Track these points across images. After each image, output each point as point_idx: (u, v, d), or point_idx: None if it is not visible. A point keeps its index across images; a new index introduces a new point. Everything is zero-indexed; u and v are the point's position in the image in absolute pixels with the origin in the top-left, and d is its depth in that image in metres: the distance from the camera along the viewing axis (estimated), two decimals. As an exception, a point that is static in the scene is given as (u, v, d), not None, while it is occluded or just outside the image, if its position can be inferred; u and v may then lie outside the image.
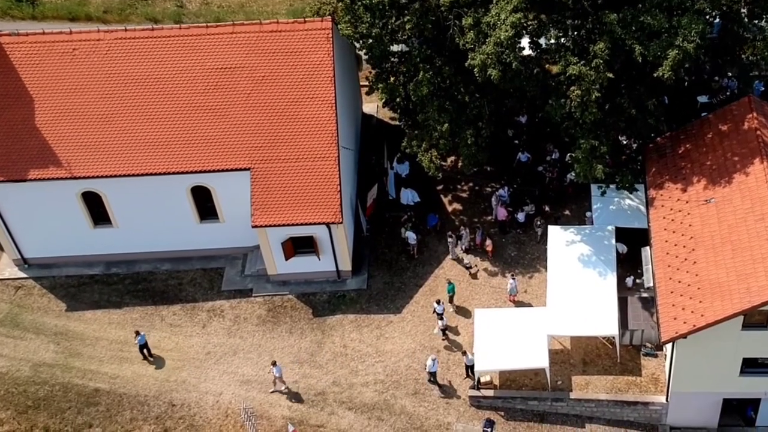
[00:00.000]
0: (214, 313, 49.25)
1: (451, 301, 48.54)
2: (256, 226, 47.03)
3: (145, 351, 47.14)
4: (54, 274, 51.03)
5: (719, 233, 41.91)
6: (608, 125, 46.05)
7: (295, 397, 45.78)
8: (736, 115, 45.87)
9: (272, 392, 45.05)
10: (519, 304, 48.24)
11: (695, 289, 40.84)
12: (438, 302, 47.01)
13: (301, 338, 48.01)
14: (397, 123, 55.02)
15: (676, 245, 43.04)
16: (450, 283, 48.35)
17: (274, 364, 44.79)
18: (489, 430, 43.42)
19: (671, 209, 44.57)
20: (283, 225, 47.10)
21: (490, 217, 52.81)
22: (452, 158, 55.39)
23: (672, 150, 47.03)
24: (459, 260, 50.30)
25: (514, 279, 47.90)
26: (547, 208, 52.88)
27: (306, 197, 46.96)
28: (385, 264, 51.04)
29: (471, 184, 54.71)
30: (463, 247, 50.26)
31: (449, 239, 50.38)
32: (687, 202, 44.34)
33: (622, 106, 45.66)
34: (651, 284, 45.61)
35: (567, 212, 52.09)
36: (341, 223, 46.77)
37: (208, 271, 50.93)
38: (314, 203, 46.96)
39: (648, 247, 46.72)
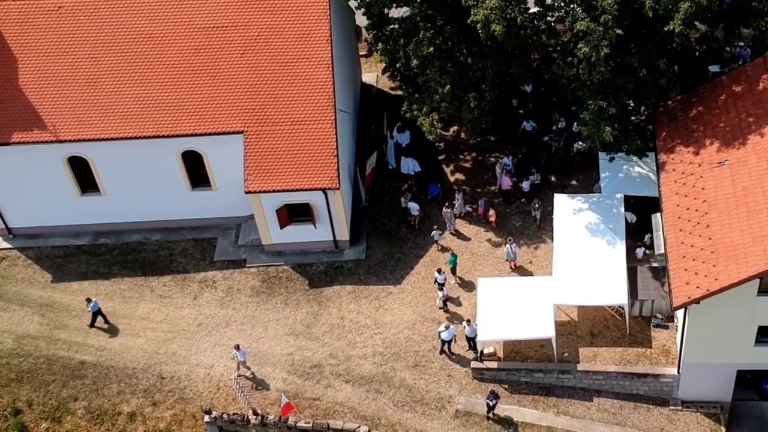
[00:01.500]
0: (206, 284, 48.11)
1: (453, 272, 47.29)
2: (249, 192, 45.94)
3: (99, 318, 45.79)
4: (40, 245, 49.97)
5: (733, 195, 40.77)
6: (617, 86, 44.83)
7: (289, 369, 44.44)
8: (751, 75, 44.74)
9: (238, 376, 43.70)
10: (522, 272, 46.78)
11: (708, 253, 39.66)
12: (439, 271, 45.81)
13: (297, 310, 46.86)
14: (397, 93, 53.73)
15: (688, 209, 41.89)
16: (452, 254, 47.05)
17: (237, 347, 43.61)
18: (492, 402, 41.66)
19: (683, 173, 43.42)
20: (278, 191, 45.99)
21: (493, 187, 51.69)
22: (455, 128, 54.06)
23: (683, 113, 45.88)
24: (457, 233, 48.95)
25: (510, 244, 46.62)
26: (553, 179, 51.48)
27: (301, 162, 45.84)
28: (385, 234, 49.93)
29: (474, 154, 53.56)
30: (457, 213, 48.88)
31: (445, 210, 49.03)
32: (699, 165, 43.20)
33: (632, 66, 44.48)
34: (662, 251, 44.30)
35: (574, 182, 50.91)
36: (338, 188, 45.63)
37: (200, 241, 49.84)
38: (310, 168, 45.85)
39: (658, 214, 45.55)
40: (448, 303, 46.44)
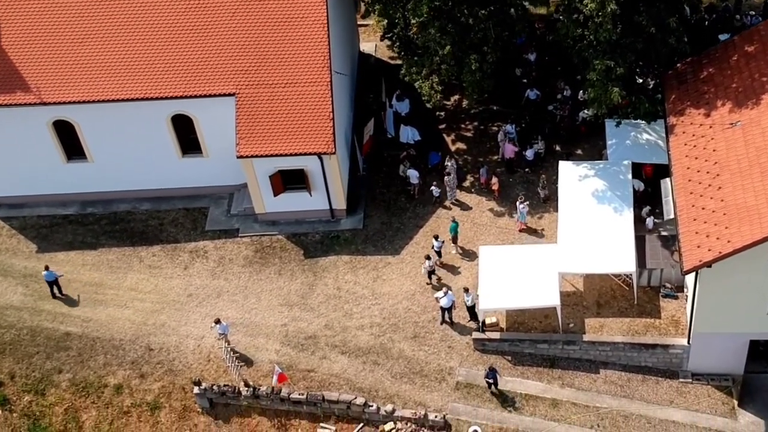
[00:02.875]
0: (197, 254, 46.92)
1: (454, 241, 46.03)
2: (241, 157, 44.71)
3: (54, 289, 44.66)
4: (24, 215, 48.90)
5: (746, 156, 39.63)
6: (624, 46, 43.51)
7: (282, 341, 43.23)
8: (764, 35, 43.71)
9: (229, 347, 42.61)
10: (530, 234, 46.00)
11: (721, 215, 38.52)
12: (436, 237, 44.46)
13: (291, 280, 45.63)
14: (397, 63, 52.52)
15: (698, 172, 40.75)
16: (453, 221, 45.76)
17: (217, 321, 42.29)
18: (491, 380, 40.44)
19: (693, 135, 42.29)
20: (271, 155, 44.88)
21: (496, 157, 50.50)
22: (456, 97, 52.78)
23: (693, 75, 44.76)
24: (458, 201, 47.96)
25: (522, 203, 45.36)
26: (557, 148, 50.31)
27: (296, 125, 44.73)
28: (383, 204, 48.75)
29: (476, 123, 52.40)
30: (451, 184, 47.98)
31: (446, 176, 47.81)
32: (710, 127, 42.08)
33: (640, 24, 43.17)
34: (671, 216, 43.05)
35: (579, 152, 49.79)
36: (334, 153, 44.43)
37: (191, 210, 48.74)
38: (305, 132, 44.71)
39: (667, 179, 44.34)
40: (433, 275, 44.92)
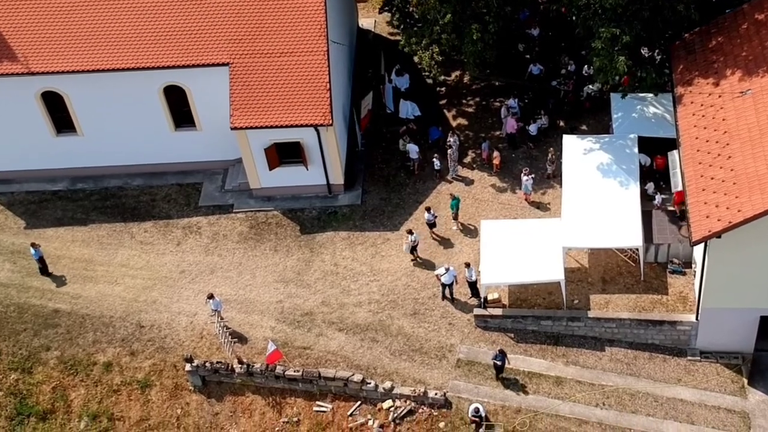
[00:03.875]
0: (190, 230, 46.04)
1: (455, 217, 45.03)
2: (235, 128, 43.75)
3: (41, 265, 43.90)
4: (13, 190, 48.01)
5: (757, 125, 38.68)
6: (631, 14, 42.48)
7: (278, 318, 42.25)
8: (775, 3, 42.35)
9: (222, 323, 41.68)
10: (536, 207, 45.14)
11: (730, 185, 37.57)
12: (428, 210, 43.50)
13: (287, 256, 44.68)
14: (396, 39, 51.72)
15: (707, 141, 39.76)
16: (454, 197, 44.78)
17: (210, 296, 41.27)
18: (500, 362, 39.80)
19: (701, 105, 41.32)
20: (266, 127, 43.89)
21: (498, 132, 49.45)
22: (457, 72, 51.79)
23: (702, 45, 43.76)
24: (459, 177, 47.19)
25: (527, 175, 44.37)
26: (561, 123, 49.37)
27: (291, 96, 43.91)
28: (382, 180, 47.81)
29: (478, 99, 51.49)
30: (439, 165, 47.27)
31: (449, 149, 46.85)
32: (719, 96, 41.11)
33: (647, -10, 42.13)
34: (679, 188, 42.09)
35: (584, 127, 48.90)
36: (331, 125, 43.46)
37: (184, 186, 47.83)
38: (301, 102, 43.82)
39: (675, 151, 43.39)
40: (415, 251, 43.78)
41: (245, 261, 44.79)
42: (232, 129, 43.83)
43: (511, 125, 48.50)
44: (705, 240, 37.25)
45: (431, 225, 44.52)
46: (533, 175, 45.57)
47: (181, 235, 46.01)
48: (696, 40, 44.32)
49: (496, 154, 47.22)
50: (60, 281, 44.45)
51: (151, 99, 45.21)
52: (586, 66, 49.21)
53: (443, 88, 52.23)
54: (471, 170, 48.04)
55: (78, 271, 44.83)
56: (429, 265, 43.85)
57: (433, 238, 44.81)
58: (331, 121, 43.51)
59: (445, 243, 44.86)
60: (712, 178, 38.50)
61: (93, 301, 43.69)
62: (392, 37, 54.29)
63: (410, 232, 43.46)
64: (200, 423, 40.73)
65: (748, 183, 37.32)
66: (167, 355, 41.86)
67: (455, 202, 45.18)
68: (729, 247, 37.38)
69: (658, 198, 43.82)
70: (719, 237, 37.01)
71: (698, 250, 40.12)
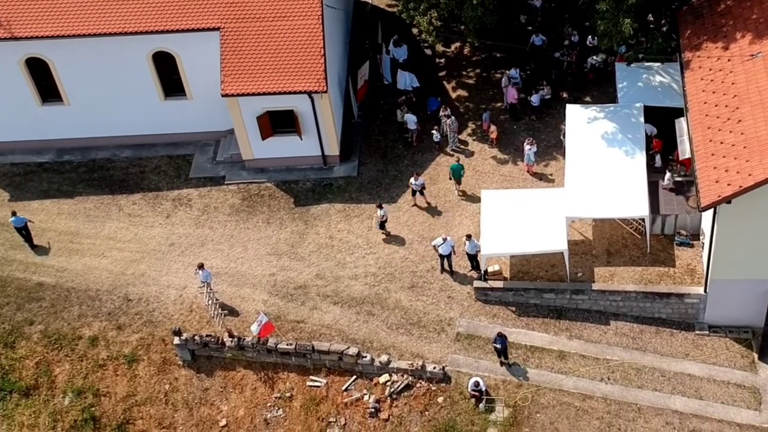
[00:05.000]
0: (180, 202, 44.88)
1: (458, 182, 44.51)
2: (226, 95, 42.60)
3: (23, 233, 42.81)
4: (-3, 162, 46.53)
5: (768, 88, 37.36)
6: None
7: (270, 291, 41.09)
8: (786, -36, 41.21)
9: (212, 295, 40.56)
10: (538, 179, 43.81)
11: (741, 149, 36.50)
12: (416, 176, 42.45)
13: (281, 229, 43.54)
14: (394, 10, 50.73)
15: (716, 106, 38.71)
16: (456, 161, 43.82)
17: (200, 267, 40.08)
18: (500, 346, 38.55)
19: (710, 69, 40.25)
20: (258, 94, 42.71)
21: (500, 104, 48.18)
22: (457, 44, 50.70)
23: (710, 9, 42.73)
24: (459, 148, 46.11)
25: (531, 145, 43.21)
26: (564, 95, 48.26)
27: (284, 61, 42.86)
28: (379, 151, 46.69)
29: (478, 70, 50.43)
30: (438, 137, 46.20)
31: (448, 120, 45.69)
32: (729, 60, 40.01)
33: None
34: (687, 156, 40.97)
35: (588, 99, 47.77)
36: (325, 92, 42.24)
37: (174, 158, 46.76)
38: (294, 68, 42.80)
39: (682, 119, 42.26)
40: (386, 226, 42.84)
41: (237, 233, 43.67)
42: (223, 96, 42.73)
43: (511, 95, 47.41)
44: (714, 206, 36.19)
45: (419, 191, 43.28)
46: (535, 145, 44.15)
47: (171, 207, 44.90)
48: (704, 5, 43.33)
49: (493, 128, 45.99)
50: (45, 254, 43.32)
51: (140, 66, 44.14)
52: (589, 37, 48.18)
53: (443, 60, 51.13)
54: (471, 142, 46.75)
55: (63, 244, 43.73)
56: (429, 239, 42.46)
57: (415, 205, 43.32)
58: (325, 88, 42.38)
59: (444, 214, 43.79)
60: (721, 143, 37.44)
61: (79, 275, 42.55)
62: (390, 9, 52.94)
63: (380, 206, 42.34)
64: (189, 399, 39.59)
65: (759, 146, 36.26)
66: (155, 329, 40.74)
67: (457, 167, 43.75)
68: (739, 213, 36.32)
69: (668, 177, 42.32)
70: (729, 203, 35.95)
71: (706, 220, 39.01)
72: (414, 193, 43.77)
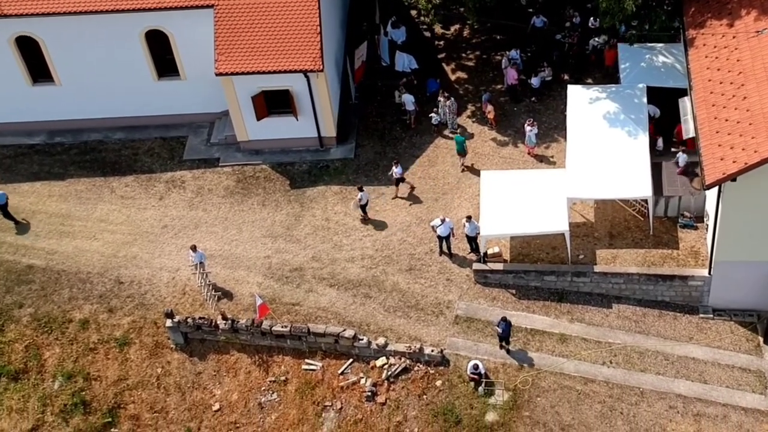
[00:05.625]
0: (174, 184, 44.25)
1: (463, 155, 44.06)
2: (220, 74, 41.99)
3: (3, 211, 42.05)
4: (-13, 144, 45.86)
5: (774, 64, 36.71)
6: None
7: (265, 273, 40.41)
8: (792, -61, 40.50)
9: (205, 277, 39.74)
10: (535, 163, 42.89)
11: (746, 126, 35.91)
12: (396, 163, 41.71)
13: (276, 211, 42.88)
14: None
15: (721, 83, 38.05)
16: (459, 135, 43.01)
17: (194, 248, 39.44)
18: (503, 331, 37.75)
19: (715, 47, 39.59)
20: (253, 73, 42.02)
21: (500, 86, 47.51)
22: (456, 26, 49.99)
23: (715, -14, 41.75)
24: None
25: (531, 126, 42.51)
26: (566, 77, 47.53)
27: (280, 39, 42.30)
28: (377, 133, 46.03)
29: (478, 53, 49.81)
30: (437, 120, 45.47)
31: (447, 102, 45.01)
32: (734, 37, 39.42)
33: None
34: (691, 135, 40.29)
35: (589, 80, 47.05)
36: (321, 71, 41.52)
37: (168, 140, 46.16)
38: (289, 47, 42.21)
39: (685, 98, 41.57)
40: (366, 209, 42.05)
41: (231, 216, 43.01)
42: (216, 75, 42.11)
43: (512, 76, 46.76)
44: (719, 183, 35.56)
45: (398, 180, 42.54)
46: (536, 126, 43.48)
47: (164, 189, 44.24)
48: (708, -18, 42.43)
49: (490, 108, 45.30)
50: (35, 236, 42.69)
51: (132, 45, 43.57)
52: (591, 18, 47.44)
53: (442, 42, 50.46)
54: (471, 124, 46.12)
55: (54, 227, 43.10)
56: (428, 221, 41.79)
57: (398, 197, 42.86)
58: (321, 67, 41.72)
59: (443, 196, 43.12)
60: (726, 120, 36.76)
61: (69, 257, 41.88)
62: (387, -9, 52.33)
63: (360, 188, 41.68)
64: (182, 382, 38.88)
65: (765, 123, 35.72)
66: (147, 311, 40.05)
67: (461, 139, 43.33)
68: (744, 192, 35.68)
69: (683, 158, 41.51)
70: (734, 180, 35.32)
71: (711, 201, 38.42)
72: (397, 183, 42.76)
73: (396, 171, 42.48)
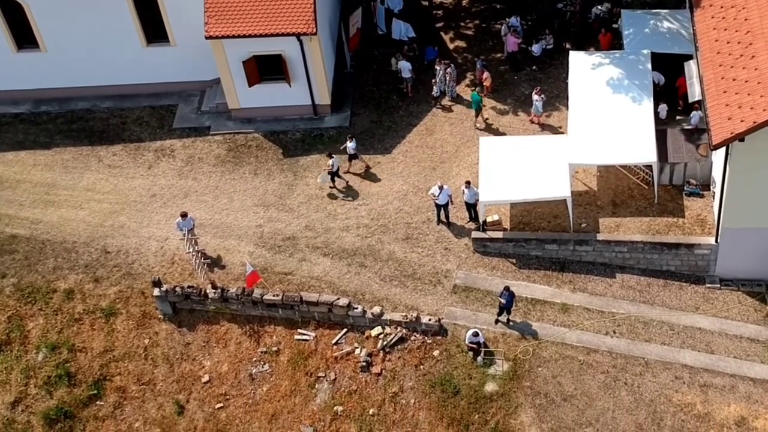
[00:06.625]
0: (163, 153, 43.26)
1: (478, 113, 43.37)
2: (210, 38, 40.93)
3: None
4: (-31, 113, 44.86)
5: (784, 22, 35.66)
6: None
7: (257, 242, 39.42)
8: None
9: (193, 244, 38.56)
10: (541, 131, 42.40)
11: (754, 84, 34.91)
12: (351, 138, 41.31)
13: (268, 180, 41.88)
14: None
15: (728, 43, 37.01)
16: (476, 93, 42.41)
17: (184, 215, 38.39)
18: (505, 303, 36.57)
19: (721, 6, 38.70)
20: (244, 36, 40.95)
21: (499, 55, 46.47)
22: (455, -5, 49.24)
23: (721, -54, 40.67)
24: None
25: (539, 95, 41.45)
26: (567, 46, 46.52)
27: (271, 2, 41.29)
28: (373, 102, 45.07)
29: (477, 21, 48.78)
30: (439, 90, 44.44)
31: (448, 69, 44.00)
32: (741, -4, 38.01)
33: None
34: (697, 98, 39.29)
35: (592, 49, 45.75)
36: (315, 34, 40.48)
37: (157, 108, 45.23)
38: (282, 9, 41.47)
39: (691, 61, 40.53)
40: (337, 177, 41.01)
41: (222, 184, 42.01)
42: (207, 38, 41.10)
43: (512, 43, 45.81)
44: (726, 143, 34.56)
45: (351, 157, 41.61)
46: (544, 96, 42.45)
47: (153, 158, 43.25)
48: (715, -59, 41.38)
49: (486, 75, 44.21)
50: (18, 206, 41.71)
51: (120, 9, 42.51)
52: (595, -14, 46.47)
53: (440, 11, 49.43)
54: (470, 93, 44.99)
55: (39, 196, 42.14)
56: (425, 190, 40.83)
57: (348, 171, 42.13)
58: (315, 30, 40.77)
59: (441, 165, 42.16)
60: (733, 80, 35.78)
61: (54, 226, 40.88)
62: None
63: (330, 155, 40.70)
64: (170, 354, 37.85)
65: (774, 81, 34.42)
66: (134, 281, 39.01)
67: (477, 98, 42.72)
68: (753, 153, 34.79)
69: (696, 116, 40.42)
70: (742, 140, 34.28)
71: (717, 167, 37.33)
72: (350, 159, 41.81)
73: (350, 146, 41.25)
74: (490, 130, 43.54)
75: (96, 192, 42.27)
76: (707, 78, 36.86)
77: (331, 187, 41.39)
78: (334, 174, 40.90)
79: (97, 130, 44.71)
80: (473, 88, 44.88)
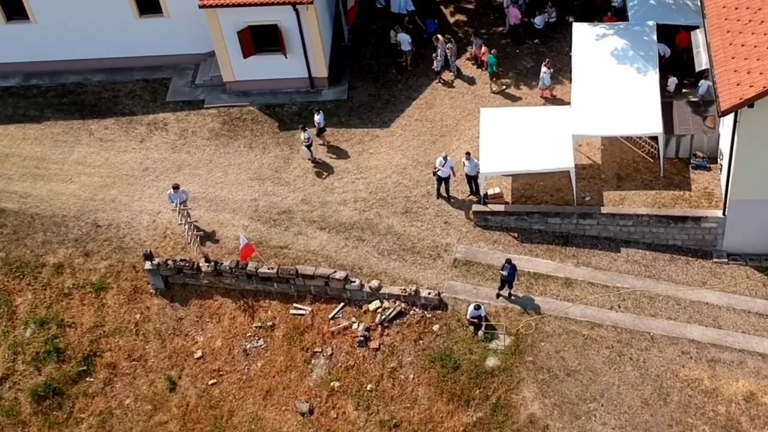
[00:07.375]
0: (156, 126, 42.43)
1: (492, 76, 42.96)
2: (203, 6, 40.01)
3: None
4: (-42, 87, 44.03)
5: (795, -14, 34.80)
6: None
7: (252, 216, 38.58)
8: None
9: (185, 216, 37.70)
10: (547, 104, 41.77)
11: (764, 49, 34.30)
12: (317, 111, 40.48)
13: (264, 153, 41.01)
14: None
15: (737, 8, 36.29)
16: (492, 56, 42.10)
17: (176, 187, 37.45)
18: (507, 273, 35.67)
19: (729, -28, 37.46)
20: (238, 5, 40.10)
21: (501, 28, 45.61)
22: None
23: None
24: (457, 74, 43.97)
25: (548, 68, 40.62)
26: (571, 19, 45.55)
27: (266, -31, 39.71)
28: (371, 75, 44.24)
29: (478, -5, 47.68)
30: (440, 65, 43.44)
31: (448, 44, 43.16)
32: (750, -40, 37.13)
33: None
34: (703, 67, 38.43)
35: (596, 23, 44.67)
36: (311, 2, 39.56)
37: (150, 82, 44.45)
38: (277, -24, 39.72)
39: (697, 30, 39.69)
40: (311, 148, 40.48)
41: (216, 158, 41.18)
42: (200, 7, 40.19)
43: (514, 15, 44.92)
44: (735, 109, 33.73)
45: (320, 131, 41.01)
46: (552, 69, 41.59)
47: (146, 131, 42.43)
48: None
49: (484, 49, 43.36)
50: (7, 179, 40.91)
51: (112, -23, 41.39)
52: (599, -42, 45.59)
53: (439, -15, 48.53)
54: (471, 67, 44.35)
55: (28, 170, 41.34)
56: (424, 164, 40.08)
57: (323, 144, 41.24)
58: (311, -1, 39.71)
59: (441, 138, 41.35)
60: (742, 45, 34.98)
61: (44, 200, 40.04)
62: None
63: (303, 128, 40.00)
64: (162, 329, 36.99)
65: (785, 46, 33.54)
66: (126, 255, 38.14)
67: (493, 59, 42.17)
68: (762, 119, 33.89)
69: (705, 85, 39.58)
70: (752, 106, 33.44)
71: (725, 139, 36.39)
72: (318, 132, 41.36)
73: (317, 119, 40.61)
74: (504, 94, 42.46)
75: (87, 166, 41.45)
76: (715, 44, 36.03)
77: (311, 161, 40.40)
78: (309, 146, 39.99)
79: (89, 103, 43.90)
80: (489, 52, 43.74)
